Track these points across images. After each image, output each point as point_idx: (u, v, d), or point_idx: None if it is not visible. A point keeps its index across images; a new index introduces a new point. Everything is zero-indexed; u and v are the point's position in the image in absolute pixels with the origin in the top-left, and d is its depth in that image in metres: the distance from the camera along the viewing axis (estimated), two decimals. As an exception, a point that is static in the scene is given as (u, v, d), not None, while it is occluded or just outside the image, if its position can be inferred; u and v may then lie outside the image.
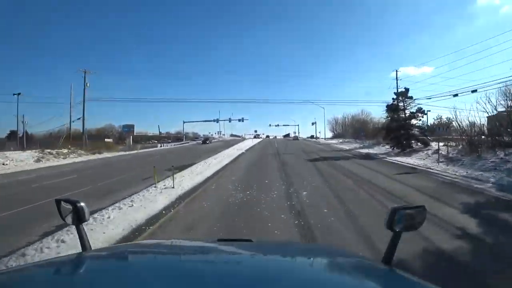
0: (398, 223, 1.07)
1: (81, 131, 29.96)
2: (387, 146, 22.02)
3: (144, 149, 34.15)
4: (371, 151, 23.16)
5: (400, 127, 20.11)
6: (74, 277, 0.85)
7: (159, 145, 44.74)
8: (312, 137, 68.97)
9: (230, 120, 57.34)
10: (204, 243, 1.36)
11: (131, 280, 0.76)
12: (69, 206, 1.17)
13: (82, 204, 1.15)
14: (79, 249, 1.12)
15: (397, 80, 24.24)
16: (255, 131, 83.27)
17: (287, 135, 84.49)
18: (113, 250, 1.31)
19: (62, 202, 1.20)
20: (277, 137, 77.56)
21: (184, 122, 58.76)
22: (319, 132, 68.43)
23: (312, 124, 70.56)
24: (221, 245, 1.32)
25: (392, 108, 22.22)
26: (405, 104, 21.84)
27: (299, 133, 77.49)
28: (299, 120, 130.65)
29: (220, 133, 73.81)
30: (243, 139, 61.08)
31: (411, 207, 1.12)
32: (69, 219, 1.17)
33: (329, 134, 68.47)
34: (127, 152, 28.81)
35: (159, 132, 52.38)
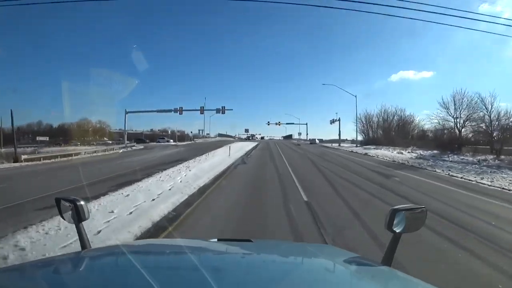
0: (397, 225, 1.05)
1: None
2: None
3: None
4: None
5: None
6: (73, 276, 0.86)
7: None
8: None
9: (202, 110, 37.08)
10: (203, 243, 1.36)
11: (130, 279, 0.76)
12: (69, 205, 1.17)
13: (82, 202, 1.15)
14: None
15: None
16: (246, 131, 61.96)
17: (289, 136, 65.43)
18: (112, 249, 1.32)
19: (62, 201, 1.20)
20: (275, 139, 60.56)
21: (126, 113, 36.77)
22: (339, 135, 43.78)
23: (332, 122, 44.63)
24: (221, 245, 1.32)
25: None
26: None
27: (307, 134, 55.83)
28: (306, 119, 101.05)
29: (202, 132, 53.77)
30: (240, 139, 48.01)
31: (411, 208, 1.11)
32: (69, 218, 1.17)
33: (350, 137, 45.59)
34: None
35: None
